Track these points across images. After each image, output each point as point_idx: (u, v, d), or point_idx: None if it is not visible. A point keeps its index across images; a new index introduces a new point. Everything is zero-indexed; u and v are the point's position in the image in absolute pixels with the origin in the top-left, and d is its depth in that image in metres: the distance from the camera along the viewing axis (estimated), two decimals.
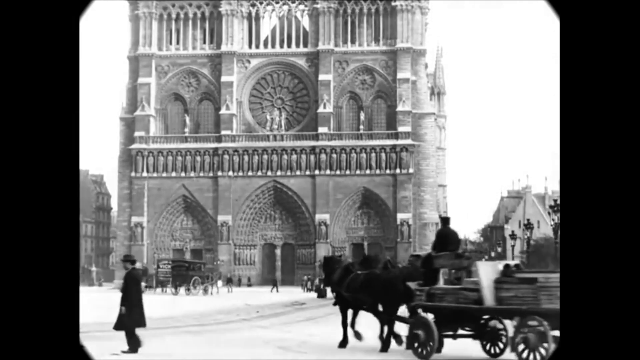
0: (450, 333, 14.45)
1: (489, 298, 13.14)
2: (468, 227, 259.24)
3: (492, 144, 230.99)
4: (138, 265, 78.81)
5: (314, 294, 55.15)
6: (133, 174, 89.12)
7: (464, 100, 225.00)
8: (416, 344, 14.10)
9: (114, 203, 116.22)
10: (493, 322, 14.09)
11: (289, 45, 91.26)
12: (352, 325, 16.71)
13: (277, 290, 66.66)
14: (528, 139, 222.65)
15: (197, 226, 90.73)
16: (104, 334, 15.07)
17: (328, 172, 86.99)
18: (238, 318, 28.51)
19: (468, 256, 15.09)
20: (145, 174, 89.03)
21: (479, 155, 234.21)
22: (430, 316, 14.43)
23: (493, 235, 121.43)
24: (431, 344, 13.83)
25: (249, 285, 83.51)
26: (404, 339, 15.17)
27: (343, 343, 16.69)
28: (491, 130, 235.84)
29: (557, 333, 12.58)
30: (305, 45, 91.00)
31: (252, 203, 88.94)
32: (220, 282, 64.56)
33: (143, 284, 57.26)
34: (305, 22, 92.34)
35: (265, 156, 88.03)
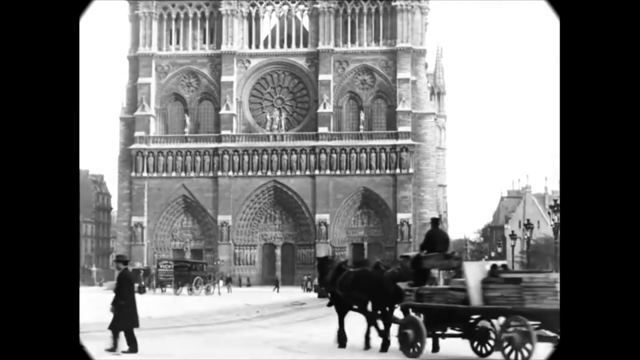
0: (439, 332, 14.62)
1: (475, 298, 13.32)
2: (468, 227, 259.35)
3: (492, 144, 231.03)
4: (137, 264, 78.79)
5: (314, 294, 55.15)
6: (133, 174, 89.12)
7: (464, 100, 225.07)
8: (406, 344, 14.30)
9: (114, 203, 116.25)
10: (482, 322, 14.21)
11: (289, 45, 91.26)
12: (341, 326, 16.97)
13: (278, 290, 66.72)
14: (528, 139, 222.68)
15: (197, 226, 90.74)
16: (104, 334, 15.05)
17: (328, 172, 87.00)
18: (238, 318, 28.50)
19: (457, 257, 15.27)
20: (145, 174, 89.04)
21: (479, 155, 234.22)
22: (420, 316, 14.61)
23: (493, 235, 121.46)
24: (419, 343, 14.02)
25: (248, 285, 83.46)
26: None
27: (342, 343, 16.76)
28: (491, 130, 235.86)
29: (547, 333, 12.70)
30: (305, 45, 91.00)
31: (252, 203, 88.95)
32: (221, 282, 64.60)
33: (142, 283, 57.30)
34: (305, 22, 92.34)
35: (265, 156, 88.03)
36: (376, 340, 16.02)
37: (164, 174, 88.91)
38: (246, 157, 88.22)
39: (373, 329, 16.20)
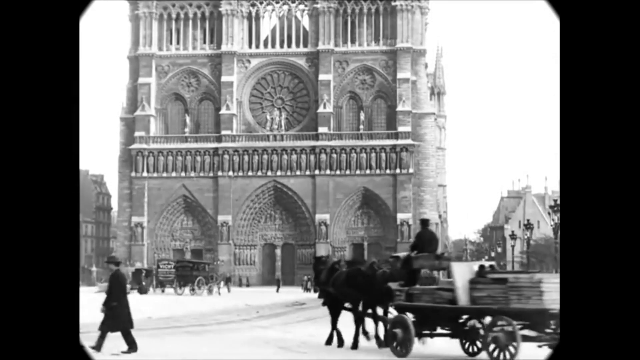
0: (428, 332, 14.78)
1: (462, 298, 13.49)
2: (468, 227, 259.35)
3: (492, 144, 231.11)
4: (138, 264, 78.69)
5: (314, 294, 55.11)
6: (133, 174, 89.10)
7: (464, 100, 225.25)
8: (394, 343, 14.49)
9: (114, 203, 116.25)
10: (472, 322, 14.34)
11: (289, 45, 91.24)
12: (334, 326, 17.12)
13: (278, 290, 66.73)
14: (528, 139, 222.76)
15: (197, 226, 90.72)
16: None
17: (328, 172, 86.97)
18: (238, 318, 28.51)
19: (447, 257, 15.69)
20: (145, 174, 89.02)
21: (479, 155, 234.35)
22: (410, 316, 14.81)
23: (493, 235, 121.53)
24: (408, 342, 14.20)
25: (247, 285, 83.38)
26: (371, 337, 16.16)
27: (336, 342, 16.95)
28: (491, 130, 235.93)
29: (529, 333, 12.84)
30: (305, 45, 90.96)
31: (252, 203, 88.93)
32: (221, 283, 64.66)
33: (144, 284, 57.32)
34: (305, 22, 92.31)
35: (265, 156, 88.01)
36: (367, 340, 16.35)
37: (164, 174, 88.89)
38: (246, 157, 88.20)
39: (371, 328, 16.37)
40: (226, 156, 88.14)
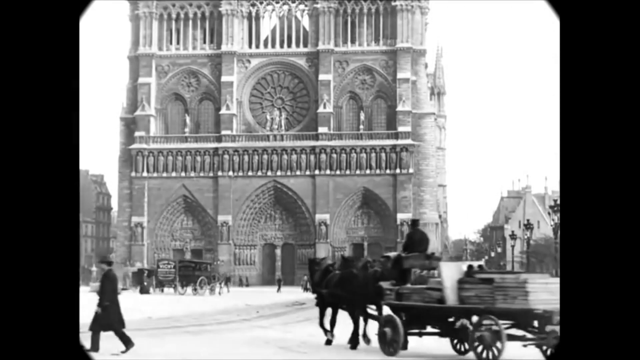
0: (417, 331, 14.95)
1: (451, 298, 13.67)
2: (468, 227, 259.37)
3: (492, 144, 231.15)
4: (138, 264, 78.71)
5: (313, 295, 55.11)
6: (133, 174, 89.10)
7: (464, 100, 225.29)
8: (384, 342, 14.69)
9: (114, 203, 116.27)
10: (462, 321, 14.45)
11: (289, 45, 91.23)
12: (332, 325, 17.22)
13: (278, 290, 66.74)
14: (528, 139, 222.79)
15: (197, 226, 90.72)
16: (104, 334, 15.04)
17: (328, 172, 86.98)
18: (238, 318, 28.51)
19: (437, 257, 15.88)
20: (145, 174, 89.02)
21: (479, 155, 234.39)
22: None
23: (493, 235, 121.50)
24: (396, 341, 14.40)
25: (247, 285, 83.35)
26: (371, 339, 16.16)
27: (328, 341, 17.11)
28: (491, 130, 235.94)
29: (515, 332, 12.98)
30: (305, 45, 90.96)
31: (252, 203, 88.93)
32: (222, 282, 64.76)
33: (145, 284, 57.38)
34: (305, 22, 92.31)
35: (265, 156, 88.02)
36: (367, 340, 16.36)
37: (164, 174, 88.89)
38: (246, 157, 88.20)
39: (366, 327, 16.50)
40: (226, 156, 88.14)
